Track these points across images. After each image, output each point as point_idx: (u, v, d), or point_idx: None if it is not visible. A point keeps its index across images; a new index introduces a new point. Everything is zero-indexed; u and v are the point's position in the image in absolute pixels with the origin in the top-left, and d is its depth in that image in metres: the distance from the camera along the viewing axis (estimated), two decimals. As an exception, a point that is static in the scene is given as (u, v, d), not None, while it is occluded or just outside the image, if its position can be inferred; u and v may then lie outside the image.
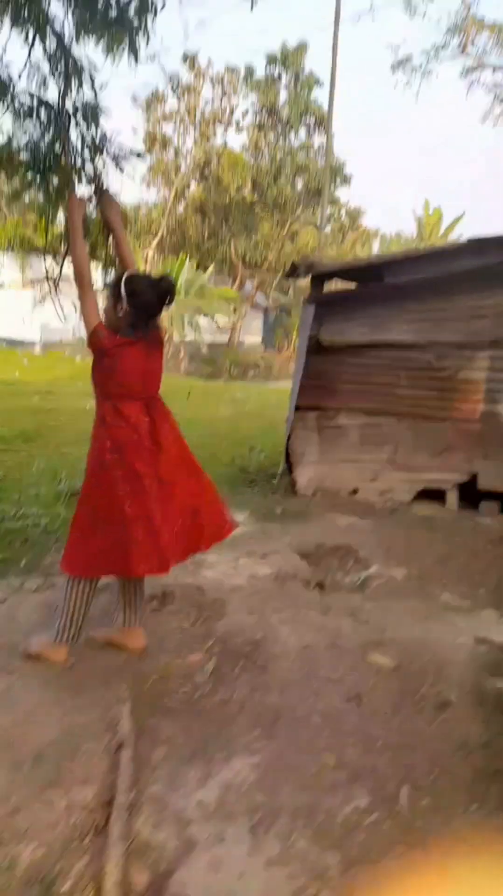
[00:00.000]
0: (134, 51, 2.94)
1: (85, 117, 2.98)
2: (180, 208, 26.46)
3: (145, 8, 2.83)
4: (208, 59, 24.82)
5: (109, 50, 2.90)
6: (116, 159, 3.03)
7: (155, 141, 24.22)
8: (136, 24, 2.86)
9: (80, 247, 2.67)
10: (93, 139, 3.03)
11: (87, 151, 3.03)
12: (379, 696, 2.50)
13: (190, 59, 23.20)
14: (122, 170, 3.01)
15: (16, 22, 2.63)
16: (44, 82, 2.91)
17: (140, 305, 2.53)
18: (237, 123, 25.31)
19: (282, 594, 3.49)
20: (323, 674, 2.64)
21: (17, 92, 2.89)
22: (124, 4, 2.82)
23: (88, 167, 3.04)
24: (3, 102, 2.88)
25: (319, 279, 5.83)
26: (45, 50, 2.81)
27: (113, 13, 2.81)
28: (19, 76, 2.86)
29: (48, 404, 11.75)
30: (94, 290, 2.62)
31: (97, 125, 3.01)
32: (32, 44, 2.74)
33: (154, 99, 23.33)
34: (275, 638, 2.96)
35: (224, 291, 25.88)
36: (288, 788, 1.98)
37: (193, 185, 26.31)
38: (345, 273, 6.29)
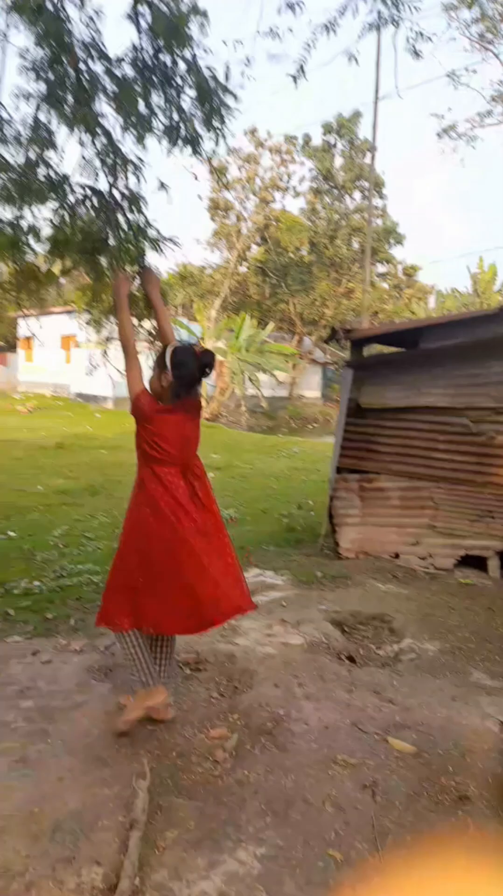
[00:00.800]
0: (196, 150, 3.17)
1: (130, 205, 3.26)
2: (242, 268, 27.46)
3: (213, 117, 3.02)
4: (267, 131, 26.09)
5: (171, 146, 3.16)
6: (156, 243, 3.28)
7: (218, 207, 25.45)
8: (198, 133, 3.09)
9: (125, 319, 2.88)
10: (137, 224, 3.30)
11: (131, 234, 3.30)
12: (395, 785, 2.46)
13: (250, 132, 24.46)
14: (161, 252, 3.25)
15: (71, 123, 2.93)
16: (96, 174, 3.22)
17: (183, 376, 2.72)
18: (294, 189, 26.31)
19: (311, 666, 3.50)
20: (341, 757, 2.62)
21: (72, 182, 3.18)
22: (183, 120, 3.05)
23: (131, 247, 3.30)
24: (60, 192, 3.18)
25: (358, 343, 5.97)
26: (95, 146, 3.10)
27: (166, 122, 3.06)
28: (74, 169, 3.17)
29: (115, 458, 12.22)
30: (137, 358, 2.81)
31: (140, 212, 3.28)
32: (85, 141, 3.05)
33: (218, 169, 24.59)
34: (299, 714, 2.97)
35: (283, 347, 26.38)
36: (291, 885, 1.96)
37: (254, 248, 27.32)
38: (382, 338, 6.41)
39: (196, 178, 25.13)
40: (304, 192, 26.84)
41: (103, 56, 2.73)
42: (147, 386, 2.77)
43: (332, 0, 4.56)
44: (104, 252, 3.25)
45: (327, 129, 25.56)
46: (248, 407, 24.78)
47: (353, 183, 26.05)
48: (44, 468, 10.77)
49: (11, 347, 33.42)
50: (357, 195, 26.76)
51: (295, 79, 4.29)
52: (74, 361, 26.32)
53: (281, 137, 25.14)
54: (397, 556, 5.72)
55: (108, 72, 2.72)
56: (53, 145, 2.79)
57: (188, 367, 2.72)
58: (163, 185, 3.19)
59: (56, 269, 3.39)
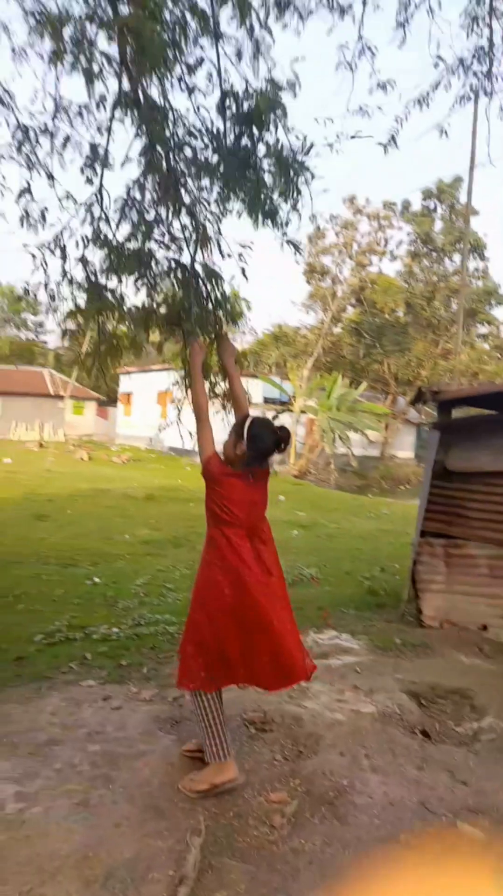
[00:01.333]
0: (279, 226, 3.38)
1: (210, 278, 3.47)
2: (336, 329, 27.91)
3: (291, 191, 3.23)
4: (366, 198, 26.88)
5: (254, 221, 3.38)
6: (231, 315, 3.46)
7: (314, 271, 26.23)
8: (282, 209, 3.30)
9: (199, 385, 3.03)
10: (215, 296, 3.49)
11: (210, 306, 3.49)
12: (462, 874, 2.29)
13: (349, 200, 25.29)
14: (236, 325, 3.42)
15: (159, 204, 3.21)
16: (180, 249, 3.47)
17: (258, 449, 2.83)
18: (391, 252, 26.74)
19: (380, 737, 3.35)
20: (404, 837, 2.47)
21: (158, 256, 3.45)
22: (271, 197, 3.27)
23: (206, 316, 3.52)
24: (150, 268, 3.44)
25: (447, 405, 5.87)
26: (181, 224, 3.36)
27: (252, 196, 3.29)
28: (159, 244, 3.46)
29: (200, 511, 12.42)
30: (208, 423, 2.92)
31: (219, 285, 3.48)
32: (171, 219, 3.32)
33: (314, 235, 25.51)
34: (363, 787, 2.84)
35: (376, 407, 26.29)
36: None
37: (349, 309, 27.78)
38: (475, 400, 6.26)
39: (295, 248, 25.96)
40: (402, 255, 27.19)
41: (192, 135, 3.01)
42: (220, 449, 2.86)
43: (424, 73, 4.77)
44: (185, 320, 3.45)
45: (427, 194, 26.00)
46: (338, 465, 24.67)
47: (453, 245, 26.14)
48: (132, 518, 11.17)
49: (112, 402, 35.37)
50: (457, 257, 26.78)
51: (385, 148, 4.47)
52: (170, 416, 27.41)
53: (379, 204, 25.80)
54: (485, 627, 5.41)
55: (195, 157, 2.99)
56: (145, 222, 3.06)
57: (264, 441, 2.82)
58: (241, 257, 3.39)
59: (141, 337, 3.63)
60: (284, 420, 24.83)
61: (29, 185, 3.07)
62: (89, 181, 3.12)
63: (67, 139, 3.09)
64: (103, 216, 3.05)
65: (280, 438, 2.84)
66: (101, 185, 3.09)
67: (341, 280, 26.45)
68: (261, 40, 3.03)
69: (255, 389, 29.32)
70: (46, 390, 33.66)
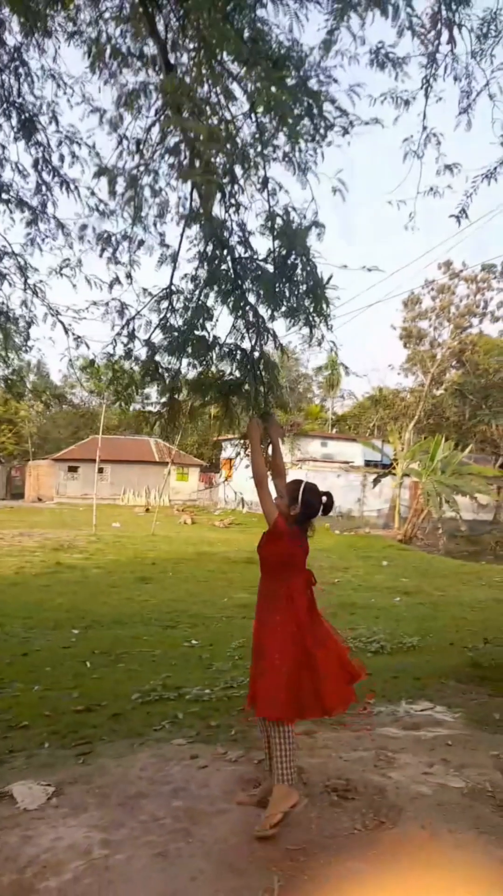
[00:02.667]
0: (311, 330, 3.68)
1: (265, 367, 3.82)
2: (438, 391, 27.52)
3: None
4: (463, 262, 26.90)
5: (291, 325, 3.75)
6: (283, 404, 3.92)
7: (411, 336, 26.29)
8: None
9: (258, 457, 3.41)
10: (269, 381, 3.83)
11: (263, 389, 3.83)
12: None
13: (444, 264, 25.42)
14: (288, 410, 3.77)
15: (224, 302, 3.60)
16: (241, 336, 3.83)
17: (309, 511, 3.28)
18: (492, 313, 26.31)
19: (467, 814, 3.21)
20: (482, 916, 2.37)
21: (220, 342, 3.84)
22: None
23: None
24: (212, 353, 3.83)
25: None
26: (245, 321, 3.73)
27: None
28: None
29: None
30: (268, 489, 3.32)
31: (274, 373, 3.82)
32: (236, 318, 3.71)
33: (410, 301, 25.72)
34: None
35: (484, 470, 25.29)
36: None
37: (451, 371, 27.40)
38: None
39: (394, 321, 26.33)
40: (503, 315, 26.68)
41: (248, 248, 3.42)
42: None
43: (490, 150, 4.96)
44: (239, 396, 3.86)
45: (526, 253, 25.59)
46: (446, 530, 23.73)
47: None
48: (232, 581, 11.39)
49: (215, 468, 36.49)
50: None
51: (458, 220, 4.69)
52: (270, 481, 27.81)
53: (477, 268, 25.71)
54: None
55: (254, 265, 3.39)
56: (210, 316, 3.48)
57: (314, 506, 3.28)
58: (282, 348, 3.70)
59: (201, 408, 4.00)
60: (386, 483, 24.45)
61: (116, 279, 3.64)
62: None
63: (142, 242, 3.62)
64: (171, 307, 3.51)
65: (327, 505, 3.30)
66: (171, 282, 3.58)
67: (440, 343, 26.33)
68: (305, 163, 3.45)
69: (355, 452, 29.25)
70: (153, 457, 35.41)
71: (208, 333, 3.59)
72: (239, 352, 3.71)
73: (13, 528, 19.16)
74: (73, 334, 4.15)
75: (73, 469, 37.64)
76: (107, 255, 3.76)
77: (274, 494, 3.41)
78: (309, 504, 3.22)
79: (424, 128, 3.99)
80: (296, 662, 3.10)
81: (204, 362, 3.67)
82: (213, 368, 3.77)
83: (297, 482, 3.29)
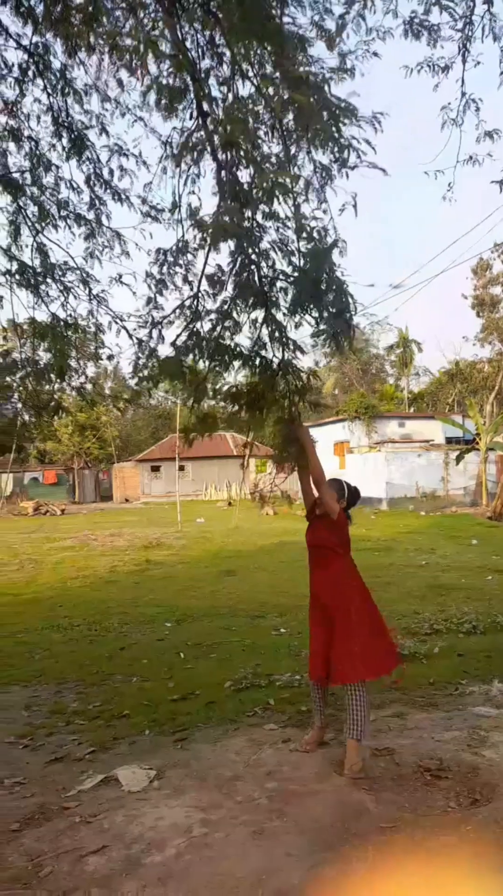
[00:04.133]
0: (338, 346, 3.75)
1: (291, 372, 3.99)
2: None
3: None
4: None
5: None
6: (311, 404, 4.25)
7: (484, 304, 25.22)
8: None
9: (316, 457, 3.98)
10: (296, 387, 4.02)
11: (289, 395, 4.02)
12: None
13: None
14: (317, 412, 3.94)
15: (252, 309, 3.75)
16: (264, 345, 3.99)
17: (352, 502, 4.02)
18: None
19: None
20: None
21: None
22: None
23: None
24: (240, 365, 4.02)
25: None
26: (270, 335, 3.83)
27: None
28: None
29: (385, 559, 12.38)
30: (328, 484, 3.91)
31: (298, 379, 4.00)
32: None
33: (479, 267, 24.67)
34: (540, 838, 2.72)
35: None
36: None
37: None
38: None
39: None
40: None
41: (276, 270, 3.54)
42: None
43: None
44: (265, 403, 4.06)
45: None
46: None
47: None
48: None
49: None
50: None
51: (501, 186, 4.53)
52: (349, 466, 27.58)
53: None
54: None
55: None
56: (238, 328, 3.71)
57: (355, 499, 4.03)
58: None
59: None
60: (470, 459, 23.69)
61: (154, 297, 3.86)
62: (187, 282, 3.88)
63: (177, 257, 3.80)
64: (199, 312, 3.68)
65: (356, 494, 4.03)
66: (198, 289, 3.73)
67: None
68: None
69: (435, 430, 28.47)
70: (230, 452, 35.90)
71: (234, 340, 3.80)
72: (260, 359, 3.91)
73: (105, 529, 20.03)
74: (137, 339, 4.35)
75: (155, 469, 38.81)
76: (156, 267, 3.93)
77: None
78: (352, 497, 3.98)
79: (463, 94, 3.87)
80: (368, 624, 3.71)
81: (228, 370, 3.87)
82: (237, 377, 4.01)
83: (339, 481, 4.01)
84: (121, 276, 5.19)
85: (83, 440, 40.24)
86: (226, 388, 3.97)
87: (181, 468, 26.68)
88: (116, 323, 5.19)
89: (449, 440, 27.75)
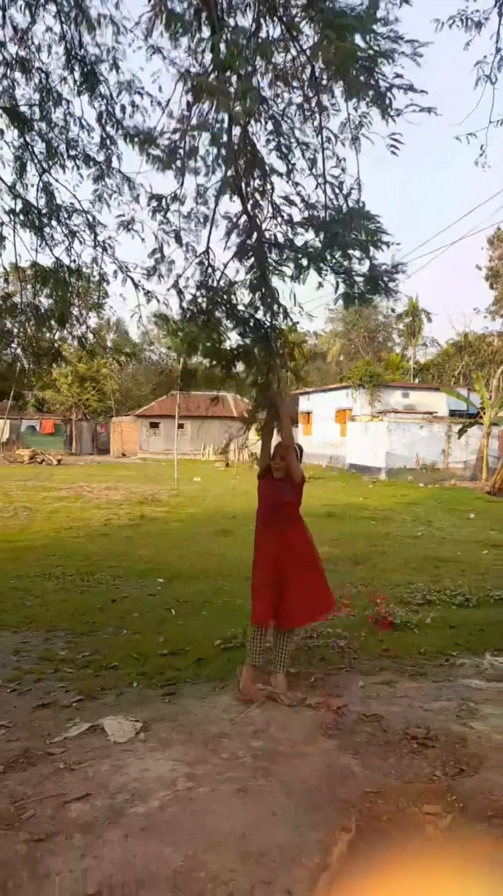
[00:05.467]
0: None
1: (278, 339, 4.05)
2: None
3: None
4: None
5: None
6: (294, 373, 4.40)
7: (498, 275, 24.76)
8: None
9: (289, 427, 4.25)
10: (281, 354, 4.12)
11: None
12: None
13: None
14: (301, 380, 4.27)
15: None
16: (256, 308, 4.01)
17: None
18: None
19: None
20: None
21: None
22: None
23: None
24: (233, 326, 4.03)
25: None
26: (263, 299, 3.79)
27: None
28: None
29: (383, 528, 12.38)
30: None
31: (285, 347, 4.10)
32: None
33: (496, 237, 24.12)
34: (526, 812, 2.70)
35: None
36: None
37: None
38: None
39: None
40: None
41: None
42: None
43: None
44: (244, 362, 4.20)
45: None
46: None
47: None
48: (312, 535, 11.40)
49: (293, 422, 36.32)
50: None
51: None
52: (350, 434, 27.48)
53: None
54: None
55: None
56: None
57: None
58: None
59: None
60: (473, 433, 23.58)
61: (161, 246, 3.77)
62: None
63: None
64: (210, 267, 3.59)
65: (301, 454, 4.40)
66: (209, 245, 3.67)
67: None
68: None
69: (439, 402, 28.30)
70: (231, 413, 35.74)
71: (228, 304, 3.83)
72: (253, 321, 3.95)
73: (101, 482, 20.02)
74: (143, 290, 4.19)
75: (154, 425, 38.67)
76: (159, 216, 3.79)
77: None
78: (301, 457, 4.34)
79: (498, 50, 3.62)
80: (317, 576, 4.25)
81: (217, 330, 3.89)
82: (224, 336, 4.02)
83: (300, 446, 4.32)
84: (131, 221, 4.98)
85: (82, 391, 39.93)
86: (209, 345, 3.97)
87: (180, 426, 26.57)
88: (122, 272, 5.00)
89: (452, 413, 27.59)
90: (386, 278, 3.48)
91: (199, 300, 3.83)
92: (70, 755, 3.23)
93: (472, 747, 3.33)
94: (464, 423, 23.10)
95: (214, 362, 4.06)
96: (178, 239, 3.98)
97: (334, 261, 3.46)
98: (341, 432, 28.54)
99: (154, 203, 3.83)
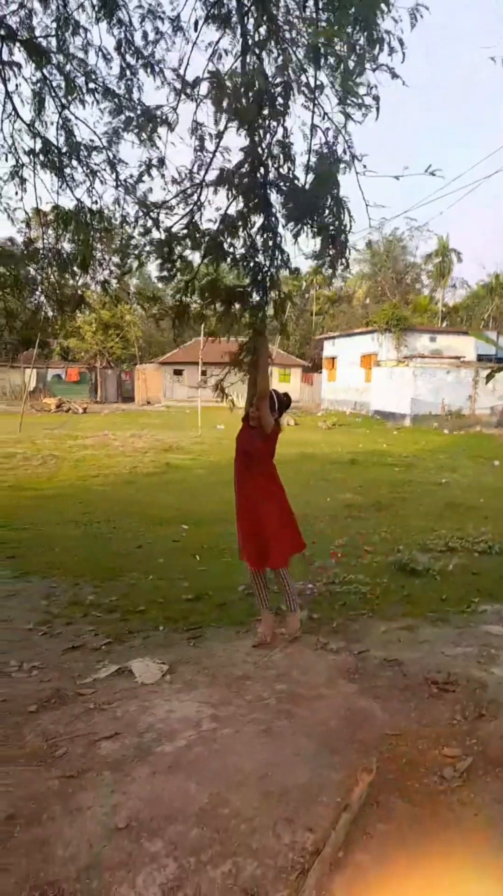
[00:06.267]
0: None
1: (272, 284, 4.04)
2: None
3: None
4: None
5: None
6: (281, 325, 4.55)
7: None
8: None
9: (265, 375, 4.22)
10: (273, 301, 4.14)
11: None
12: None
13: None
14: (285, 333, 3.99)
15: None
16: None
17: (282, 411, 4.34)
18: None
19: None
20: None
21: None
22: None
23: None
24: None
25: None
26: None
27: None
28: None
29: (406, 476, 12.35)
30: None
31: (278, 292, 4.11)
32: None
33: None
34: (545, 756, 2.75)
35: None
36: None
37: None
38: None
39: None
40: None
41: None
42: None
43: None
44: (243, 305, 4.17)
45: None
46: None
47: None
48: (335, 482, 11.43)
49: (317, 368, 35.90)
50: None
51: None
52: (375, 380, 27.09)
53: None
54: None
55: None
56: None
57: (284, 409, 4.37)
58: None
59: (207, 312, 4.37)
60: (500, 379, 23.05)
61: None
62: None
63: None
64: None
65: (289, 402, 4.44)
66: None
67: None
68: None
69: (467, 346, 27.64)
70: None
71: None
72: (253, 263, 3.92)
73: (126, 430, 20.18)
74: (165, 231, 4.08)
75: (178, 373, 38.55)
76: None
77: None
78: (282, 405, 4.32)
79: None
80: (290, 518, 4.36)
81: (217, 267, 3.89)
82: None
83: (269, 396, 4.19)
84: (150, 163, 4.81)
85: (106, 339, 39.78)
86: (205, 281, 4.02)
87: (203, 373, 26.41)
88: (144, 214, 4.85)
89: (480, 357, 26.97)
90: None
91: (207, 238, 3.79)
92: (99, 696, 3.35)
93: (493, 693, 3.37)
94: (492, 368, 22.56)
95: (211, 299, 4.07)
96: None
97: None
98: (366, 378, 28.16)
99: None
